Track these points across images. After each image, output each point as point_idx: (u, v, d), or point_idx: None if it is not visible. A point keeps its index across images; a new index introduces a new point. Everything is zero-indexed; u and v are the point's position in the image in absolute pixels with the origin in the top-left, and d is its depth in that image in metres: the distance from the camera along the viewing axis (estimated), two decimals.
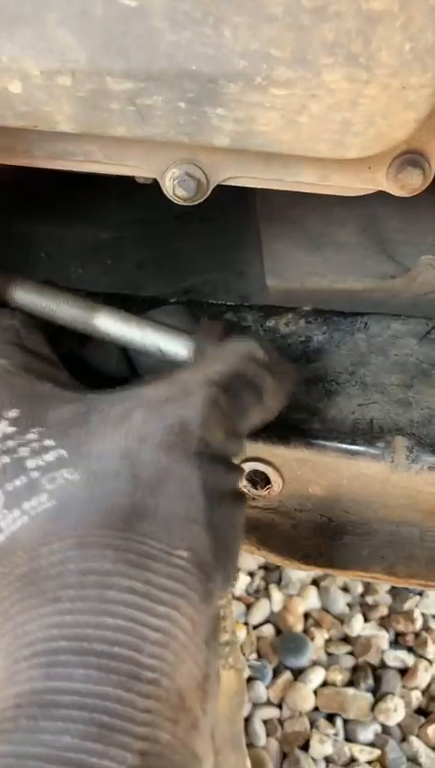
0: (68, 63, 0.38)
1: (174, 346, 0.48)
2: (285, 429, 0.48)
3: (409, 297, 0.66)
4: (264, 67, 0.38)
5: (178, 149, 0.46)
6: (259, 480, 0.50)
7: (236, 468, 0.38)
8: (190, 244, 0.82)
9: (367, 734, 1.19)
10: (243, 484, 0.51)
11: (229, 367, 0.39)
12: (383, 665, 1.27)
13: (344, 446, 0.47)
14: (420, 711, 1.23)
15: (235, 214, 0.80)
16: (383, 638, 1.28)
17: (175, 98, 0.40)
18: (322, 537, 0.50)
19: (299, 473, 0.49)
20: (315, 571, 0.49)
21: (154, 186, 0.51)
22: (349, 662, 1.26)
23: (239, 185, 0.49)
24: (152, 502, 0.33)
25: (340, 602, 1.28)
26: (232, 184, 0.49)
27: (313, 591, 1.31)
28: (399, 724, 1.19)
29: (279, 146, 0.42)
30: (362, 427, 0.47)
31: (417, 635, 1.27)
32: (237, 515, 0.36)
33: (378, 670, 1.26)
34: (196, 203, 0.49)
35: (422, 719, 1.21)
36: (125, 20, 0.36)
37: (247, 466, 0.50)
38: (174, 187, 0.47)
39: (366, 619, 1.30)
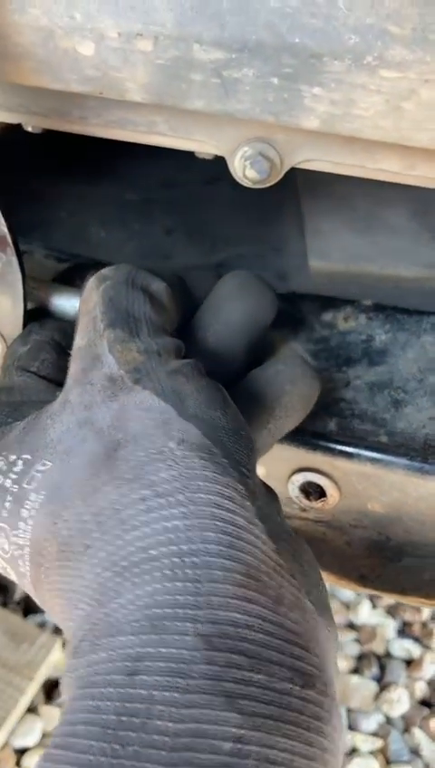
0: (152, 26, 0.33)
1: (66, 302, 0.46)
2: (348, 440, 0.44)
3: None
4: (378, 45, 0.33)
5: (253, 127, 0.41)
6: (313, 491, 0.47)
7: (177, 355, 0.37)
8: (222, 212, 0.77)
9: (370, 723, 1.18)
10: (295, 494, 0.47)
11: (101, 298, 0.38)
12: (389, 654, 1.25)
13: (415, 464, 0.43)
14: (424, 702, 1.22)
15: None
16: (390, 626, 1.26)
17: (269, 73, 0.35)
18: (378, 557, 0.46)
19: (359, 488, 0.45)
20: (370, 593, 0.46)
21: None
22: (354, 649, 1.24)
23: (315, 168, 0.44)
24: (121, 433, 0.33)
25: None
26: (307, 167, 0.44)
27: None
28: (402, 715, 1.19)
29: (375, 132, 0.38)
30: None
31: (424, 625, 1.25)
32: (211, 392, 0.35)
33: (383, 659, 1.24)
34: (266, 186, 0.44)
35: (426, 711, 1.20)
36: None
37: (302, 476, 0.46)
38: (245, 168, 0.43)
39: (373, 607, 1.28)
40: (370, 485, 0.45)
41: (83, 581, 0.31)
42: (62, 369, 0.39)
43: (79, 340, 0.38)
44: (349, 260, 0.68)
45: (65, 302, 0.45)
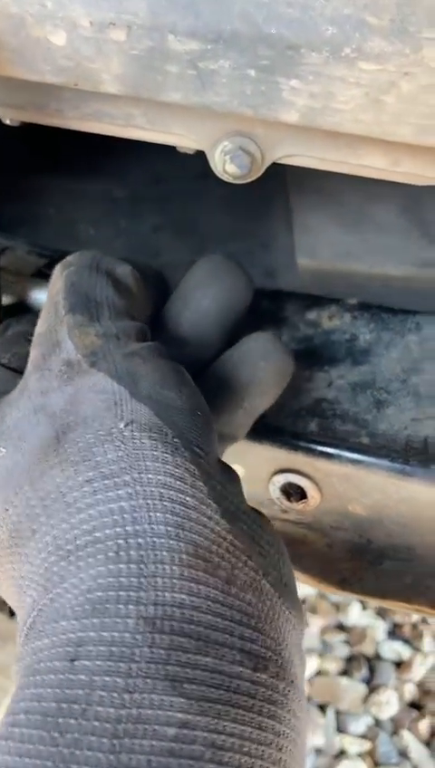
0: (125, 15, 0.32)
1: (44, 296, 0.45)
2: (329, 441, 0.44)
3: None
4: (356, 36, 0.32)
5: (232, 120, 0.41)
6: (294, 493, 0.46)
7: (138, 338, 0.36)
8: (211, 208, 0.76)
9: (358, 725, 1.17)
10: (276, 496, 0.47)
11: (63, 284, 0.37)
12: (378, 656, 1.25)
13: (396, 465, 0.42)
14: (414, 705, 1.21)
15: (260, 176, 0.74)
16: (380, 628, 1.25)
17: (245, 64, 0.34)
18: (360, 560, 0.46)
19: (340, 489, 0.44)
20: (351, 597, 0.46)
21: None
22: (344, 651, 1.23)
23: (297, 164, 0.43)
24: (72, 417, 0.33)
25: None
26: (289, 163, 0.43)
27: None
28: (391, 718, 1.18)
29: (355, 126, 0.37)
30: (416, 446, 0.43)
31: (414, 626, 1.25)
32: (168, 372, 0.34)
33: (372, 661, 1.24)
34: (246, 181, 0.43)
35: (415, 713, 1.19)
36: None
37: (283, 478, 0.45)
38: (225, 163, 0.42)
39: (363, 608, 1.28)
40: (351, 487, 0.44)
41: (31, 567, 0.31)
42: None
43: (40, 327, 0.37)
44: (337, 258, 0.67)
45: (43, 296, 0.45)
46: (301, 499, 0.46)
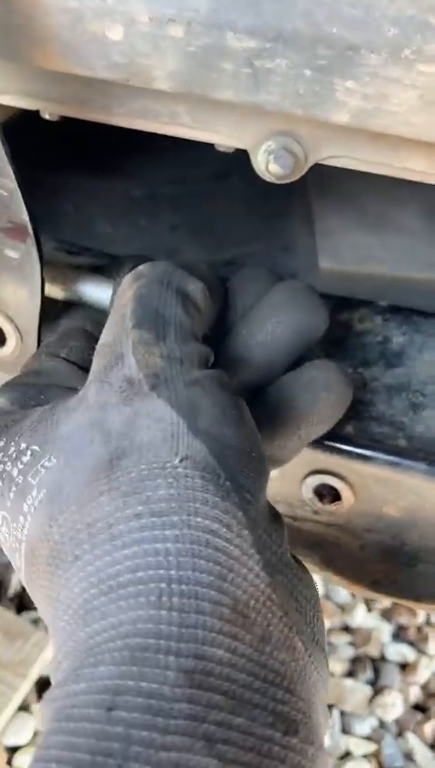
0: (185, 12, 0.32)
1: (98, 292, 0.45)
2: (366, 443, 0.44)
3: None
4: (417, 38, 0.32)
5: (278, 120, 0.40)
6: (327, 494, 0.46)
7: (201, 364, 0.36)
8: (230, 209, 0.76)
9: (364, 727, 1.17)
10: (308, 497, 0.46)
11: (133, 296, 0.37)
12: (383, 658, 1.25)
13: (434, 468, 0.42)
14: (418, 707, 1.22)
15: None
16: (385, 630, 1.25)
17: (302, 64, 0.34)
18: (393, 562, 0.46)
19: (375, 491, 0.44)
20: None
21: (193, 141, 0.45)
22: (349, 652, 1.24)
23: (339, 165, 0.43)
24: (127, 442, 0.32)
25: (343, 591, 1.25)
26: (332, 164, 0.43)
27: (315, 578, 1.27)
28: (396, 720, 1.18)
29: (406, 129, 0.37)
30: None
31: (419, 629, 1.25)
32: (228, 408, 0.34)
33: (378, 663, 1.24)
34: (288, 181, 0.43)
35: (420, 715, 1.20)
36: None
37: (317, 479, 0.45)
38: (268, 162, 0.42)
39: (368, 610, 1.28)
40: (386, 489, 0.44)
41: (69, 593, 0.30)
42: (90, 357, 0.39)
43: (105, 336, 0.37)
44: (360, 261, 0.67)
45: (96, 291, 0.44)
46: (334, 501, 0.46)
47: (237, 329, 0.42)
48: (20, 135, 0.48)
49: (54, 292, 0.45)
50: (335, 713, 1.16)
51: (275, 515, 0.34)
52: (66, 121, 0.44)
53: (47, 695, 0.29)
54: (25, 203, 0.39)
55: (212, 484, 0.30)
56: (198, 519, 0.29)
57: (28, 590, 0.35)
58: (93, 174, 0.77)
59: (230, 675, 0.27)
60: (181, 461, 0.31)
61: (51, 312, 0.45)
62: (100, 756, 0.24)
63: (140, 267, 0.39)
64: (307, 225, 0.72)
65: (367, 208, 0.71)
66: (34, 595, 0.34)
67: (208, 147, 0.47)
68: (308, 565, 0.47)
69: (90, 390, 0.35)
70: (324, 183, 0.73)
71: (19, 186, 0.39)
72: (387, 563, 0.46)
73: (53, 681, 0.30)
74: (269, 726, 0.27)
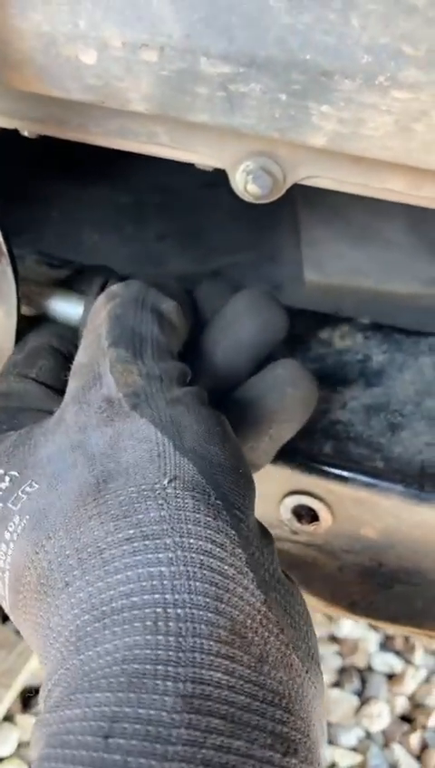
0: (158, 37, 0.32)
1: (67, 308, 0.44)
2: (343, 464, 0.44)
3: None
4: (391, 65, 0.32)
5: (256, 141, 0.40)
6: (305, 515, 0.46)
7: (180, 381, 0.36)
8: (217, 219, 0.76)
9: (350, 738, 1.17)
10: (287, 517, 0.46)
11: (108, 316, 0.37)
12: (370, 668, 1.24)
13: (411, 490, 0.42)
14: (405, 718, 1.21)
15: None
16: (372, 640, 1.25)
17: (276, 89, 0.34)
18: (370, 583, 0.46)
19: (353, 513, 0.44)
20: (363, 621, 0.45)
21: None
22: (336, 663, 1.23)
23: (318, 185, 0.43)
24: (114, 463, 0.32)
25: None
26: (310, 184, 0.43)
27: (301, 588, 1.27)
28: (382, 731, 1.18)
29: (383, 153, 0.37)
30: (431, 470, 0.43)
31: (406, 639, 1.25)
32: (212, 424, 0.34)
33: (364, 673, 1.23)
34: (267, 201, 0.43)
35: (406, 726, 1.19)
36: None
37: (295, 499, 0.45)
38: (246, 182, 0.42)
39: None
40: (364, 511, 0.44)
41: (60, 620, 0.30)
42: (61, 377, 0.38)
43: (81, 357, 0.37)
44: (345, 274, 0.67)
45: (65, 307, 0.44)
46: (312, 521, 0.46)
47: (202, 338, 0.43)
48: (3, 142, 0.48)
49: (23, 309, 0.45)
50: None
51: (264, 531, 0.33)
52: (46, 138, 0.44)
53: (39, 719, 0.28)
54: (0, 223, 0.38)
55: (203, 504, 0.30)
56: (191, 540, 0.29)
57: (12, 618, 0.34)
58: (80, 181, 0.77)
59: (229, 697, 0.27)
60: (170, 482, 0.31)
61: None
62: None
63: (114, 287, 0.39)
64: (294, 236, 0.72)
65: (353, 221, 0.71)
66: (20, 623, 0.33)
67: None
68: None
69: (68, 412, 0.35)
70: (311, 195, 0.73)
71: None
72: (364, 585, 0.46)
73: (43, 708, 0.29)
74: (268, 748, 0.26)
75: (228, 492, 0.31)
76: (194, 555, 0.29)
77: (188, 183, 0.77)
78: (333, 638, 1.27)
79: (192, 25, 0.31)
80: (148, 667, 0.26)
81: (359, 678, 1.24)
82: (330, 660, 1.23)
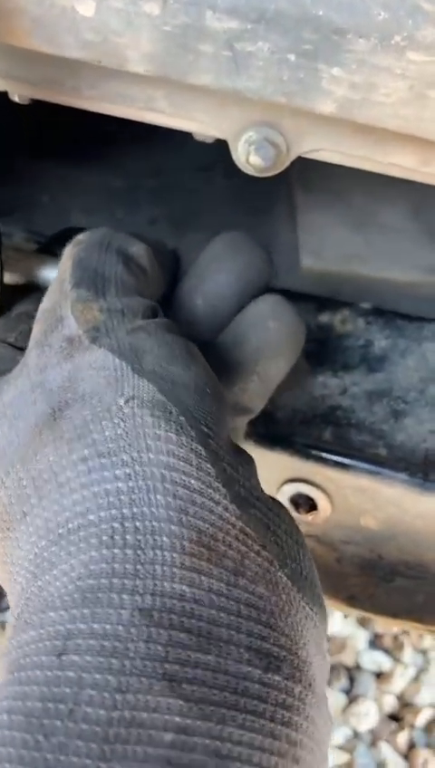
0: None
1: (53, 274, 0.43)
2: (344, 451, 0.42)
3: None
4: (408, 23, 0.30)
5: (260, 109, 0.38)
6: (303, 503, 0.44)
7: (146, 316, 0.34)
8: (211, 202, 0.74)
9: (337, 736, 1.15)
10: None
11: (71, 260, 0.36)
12: (358, 666, 1.23)
13: (415, 479, 0.40)
14: (393, 717, 1.20)
15: None
16: (361, 638, 1.23)
17: (286, 48, 0.32)
18: (370, 576, 0.44)
19: (353, 502, 0.42)
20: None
21: (174, 131, 0.43)
22: None
23: (323, 159, 0.41)
24: (70, 393, 0.31)
25: None
26: (315, 157, 0.41)
27: None
28: (370, 729, 1.16)
29: (394, 122, 0.35)
30: None
31: (395, 638, 1.23)
32: (175, 347, 0.32)
33: (353, 671, 1.22)
34: (270, 174, 0.41)
35: (394, 725, 1.18)
36: None
37: (293, 487, 0.43)
38: (248, 154, 0.40)
39: (345, 617, 1.26)
40: (365, 500, 0.42)
41: (21, 552, 0.28)
42: None
43: (44, 303, 0.35)
44: (342, 260, 0.65)
45: (50, 273, 0.42)
46: (310, 510, 0.44)
47: (180, 285, 0.41)
48: None
49: (10, 278, 0.43)
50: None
51: (240, 451, 0.31)
52: (37, 105, 0.42)
53: (4, 650, 0.26)
54: None
55: (163, 421, 0.28)
56: (151, 455, 0.27)
57: None
58: (72, 163, 0.75)
59: (195, 610, 0.25)
60: (127, 402, 0.29)
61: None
62: (51, 703, 0.22)
63: (79, 235, 0.37)
64: (289, 221, 0.70)
65: (352, 207, 0.69)
66: None
67: (192, 139, 0.44)
68: None
69: (30, 357, 0.33)
70: (309, 178, 0.71)
71: None
72: (364, 577, 0.44)
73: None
74: (246, 663, 0.24)
75: (193, 409, 0.29)
76: (154, 469, 0.27)
77: (183, 167, 0.75)
78: None
79: None
80: (103, 581, 0.25)
81: (347, 677, 1.23)
82: None
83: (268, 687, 0.25)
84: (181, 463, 0.27)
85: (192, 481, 0.27)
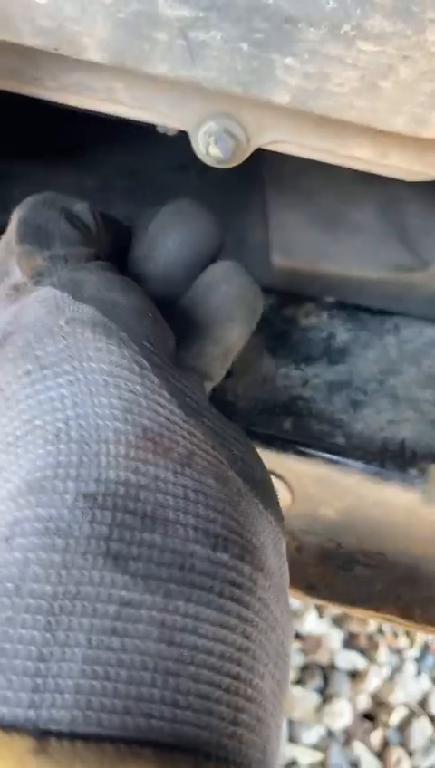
0: None
1: None
2: (303, 440, 0.42)
3: (428, 295, 0.61)
4: (357, 13, 0.30)
5: (219, 100, 0.39)
6: None
7: (83, 257, 0.34)
8: None
9: (311, 735, 1.15)
10: None
11: (15, 220, 0.36)
12: (333, 666, 1.23)
13: (373, 468, 0.41)
14: (367, 716, 1.20)
15: (237, 168, 0.73)
16: (335, 637, 1.24)
17: (238, 37, 0.32)
18: (328, 565, 0.44)
19: (312, 491, 0.43)
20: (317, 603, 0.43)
21: (149, 131, 0.44)
22: (298, 660, 1.22)
23: (282, 151, 0.42)
24: (14, 326, 0.31)
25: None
26: (274, 149, 0.41)
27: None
28: (344, 729, 1.16)
29: (349, 112, 0.35)
30: (393, 448, 0.41)
31: (370, 637, 1.24)
32: (116, 279, 0.32)
33: (327, 670, 1.22)
34: (230, 166, 0.41)
35: (368, 724, 1.18)
36: None
37: None
38: (208, 145, 0.40)
39: (320, 616, 1.26)
40: (324, 489, 0.42)
41: None
42: None
43: None
44: (312, 258, 0.66)
45: None
46: None
47: (130, 254, 0.41)
48: None
49: None
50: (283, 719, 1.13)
51: (190, 372, 0.32)
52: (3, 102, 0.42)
53: None
54: None
55: (104, 336, 0.28)
56: (92, 364, 0.28)
57: None
58: (44, 162, 0.75)
59: (140, 495, 0.25)
60: (68, 322, 0.29)
61: None
62: None
63: (26, 199, 0.38)
64: (262, 219, 0.71)
65: (322, 206, 0.69)
66: None
67: (165, 138, 0.45)
68: None
69: None
70: (280, 178, 0.72)
71: None
72: (323, 566, 0.44)
73: None
74: (193, 542, 0.25)
75: (135, 326, 0.30)
76: (97, 376, 0.27)
77: (157, 167, 0.75)
78: (296, 635, 1.26)
79: None
80: (48, 473, 0.25)
81: (321, 676, 1.23)
82: (292, 657, 1.22)
83: (216, 565, 0.25)
84: (125, 371, 0.28)
85: (137, 387, 0.28)
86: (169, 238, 0.40)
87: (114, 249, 0.40)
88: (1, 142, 0.72)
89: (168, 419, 0.27)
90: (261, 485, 0.30)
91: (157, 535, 0.24)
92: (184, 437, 0.27)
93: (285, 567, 0.30)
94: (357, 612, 0.43)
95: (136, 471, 0.26)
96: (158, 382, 0.28)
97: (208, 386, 0.39)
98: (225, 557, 0.25)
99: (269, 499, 0.30)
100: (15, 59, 0.37)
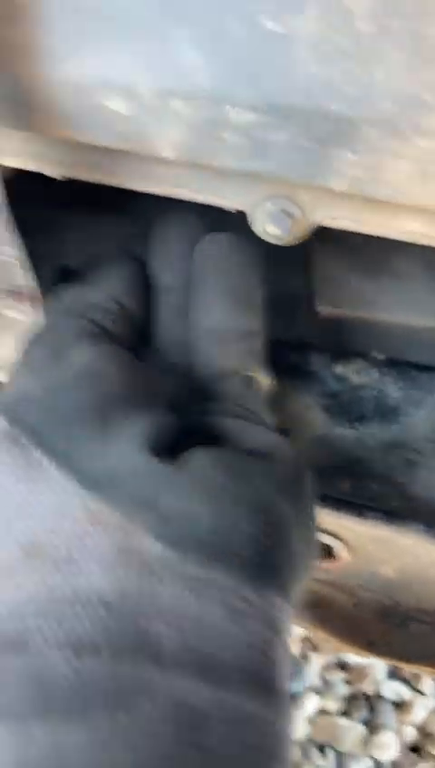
0: (186, 86, 0.33)
1: None
2: (361, 502, 0.44)
3: None
4: (413, 114, 0.32)
5: (277, 185, 0.41)
6: (321, 552, 0.46)
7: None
8: None
9: (359, 767, 1.16)
10: None
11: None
12: (379, 696, 1.23)
13: (431, 530, 0.42)
14: (413, 748, 1.20)
15: None
16: (380, 667, 1.24)
17: (300, 135, 0.34)
18: (386, 623, 0.45)
19: (371, 550, 0.44)
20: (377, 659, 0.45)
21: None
22: (344, 690, 1.22)
23: (339, 227, 0.43)
24: None
25: None
26: (331, 225, 0.43)
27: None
28: (392, 761, 1.16)
29: (404, 196, 0.37)
30: None
31: None
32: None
33: (373, 701, 1.22)
34: (289, 243, 0.43)
35: (414, 756, 1.18)
36: (264, 45, 0.31)
37: None
38: (265, 223, 0.42)
39: None
40: (382, 549, 0.44)
41: None
42: None
43: None
44: (358, 306, 0.67)
45: None
46: (328, 558, 0.46)
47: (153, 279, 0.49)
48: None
49: None
50: (330, 753, 1.14)
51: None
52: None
53: None
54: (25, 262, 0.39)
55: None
56: None
57: None
58: (88, 209, 0.77)
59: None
60: None
61: None
62: None
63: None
64: (304, 270, 0.72)
65: (367, 254, 0.71)
66: None
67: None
68: (303, 623, 0.47)
69: None
70: (323, 228, 0.73)
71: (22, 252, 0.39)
72: (381, 623, 0.46)
73: None
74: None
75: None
76: None
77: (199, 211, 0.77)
78: (342, 666, 1.26)
79: (221, 75, 0.32)
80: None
81: (367, 707, 1.23)
82: (338, 688, 1.22)
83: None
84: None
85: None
86: (208, 287, 0.45)
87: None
88: (49, 196, 0.74)
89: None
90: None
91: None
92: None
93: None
94: (412, 668, 0.45)
95: None
96: None
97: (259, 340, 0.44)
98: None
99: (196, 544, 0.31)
100: (89, 154, 0.40)
